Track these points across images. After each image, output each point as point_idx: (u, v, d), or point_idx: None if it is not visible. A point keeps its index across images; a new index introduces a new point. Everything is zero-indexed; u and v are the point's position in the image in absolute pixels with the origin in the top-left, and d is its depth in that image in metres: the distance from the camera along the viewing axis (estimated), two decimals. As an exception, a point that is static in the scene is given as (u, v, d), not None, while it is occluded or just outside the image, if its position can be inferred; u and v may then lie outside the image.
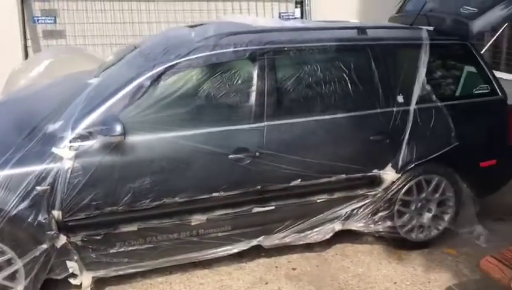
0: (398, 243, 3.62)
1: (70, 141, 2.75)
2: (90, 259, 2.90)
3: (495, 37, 3.92)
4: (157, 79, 2.91)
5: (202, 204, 3.02)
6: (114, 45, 6.27)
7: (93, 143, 2.73)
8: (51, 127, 2.88)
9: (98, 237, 2.86)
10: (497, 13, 3.64)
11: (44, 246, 2.75)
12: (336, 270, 3.40)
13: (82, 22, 6.20)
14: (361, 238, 3.74)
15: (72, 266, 2.88)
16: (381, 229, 3.48)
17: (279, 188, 3.16)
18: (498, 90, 3.71)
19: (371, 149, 3.33)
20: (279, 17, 6.93)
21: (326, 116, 3.23)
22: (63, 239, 2.79)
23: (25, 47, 5.94)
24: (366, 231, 3.51)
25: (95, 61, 3.96)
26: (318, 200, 3.28)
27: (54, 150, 2.73)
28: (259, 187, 3.10)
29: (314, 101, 3.23)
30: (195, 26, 3.73)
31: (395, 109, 3.37)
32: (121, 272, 3.05)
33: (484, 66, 3.71)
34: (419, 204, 3.55)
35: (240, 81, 3.09)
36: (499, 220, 4.02)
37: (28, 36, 6.01)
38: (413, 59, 3.49)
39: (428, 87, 3.46)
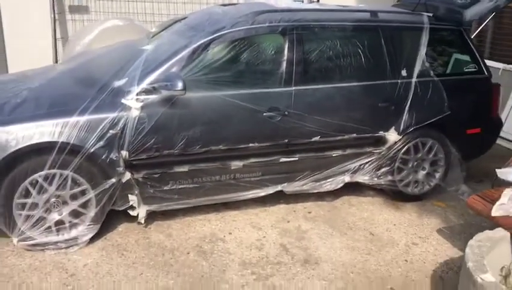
0: (396, 195, 4.28)
1: (137, 94, 3.33)
2: (148, 194, 3.50)
3: (483, 25, 4.57)
4: (207, 46, 3.50)
5: (240, 152, 3.63)
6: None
7: (157, 96, 3.31)
8: (117, 83, 3.44)
9: (156, 175, 3.46)
10: (486, 4, 4.28)
11: (113, 180, 3.34)
12: (345, 214, 4.06)
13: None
14: (364, 191, 4.40)
15: (133, 199, 3.48)
16: (382, 183, 4.14)
17: (302, 143, 3.79)
18: (484, 70, 4.39)
19: (378, 113, 3.98)
20: None
21: (343, 84, 3.86)
22: (128, 175, 3.38)
23: (54, 20, 6.43)
24: (370, 184, 4.16)
25: (139, 31, 4.51)
26: (333, 155, 3.92)
27: (124, 101, 3.30)
28: (286, 141, 3.72)
29: (334, 71, 3.86)
30: (228, 5, 4.31)
31: (399, 81, 4.01)
32: (169, 207, 3.66)
33: (473, 48, 4.38)
34: (415, 163, 4.22)
35: (273, 52, 3.71)
36: (480, 182, 4.67)
37: (57, 10, 6.51)
38: (415, 40, 4.12)
39: (427, 64, 4.11)
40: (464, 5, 4.34)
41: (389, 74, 4.00)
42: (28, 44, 6.23)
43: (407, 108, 4.01)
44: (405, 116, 4.01)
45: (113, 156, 3.28)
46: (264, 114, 3.60)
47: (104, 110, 3.27)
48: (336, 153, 3.92)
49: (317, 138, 3.79)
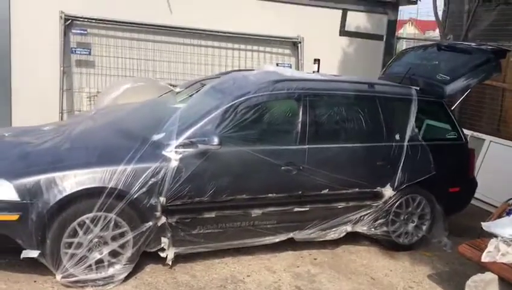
0: (389, 244, 4.79)
1: (176, 147, 3.78)
2: (178, 237, 3.88)
3: (461, 98, 5.33)
4: (236, 108, 4.02)
5: (260, 201, 4.10)
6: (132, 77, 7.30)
7: (195, 149, 3.77)
8: (156, 137, 3.89)
9: (187, 220, 3.87)
10: (463, 82, 5.04)
11: (150, 223, 3.72)
12: (347, 261, 4.53)
13: (110, 55, 7.21)
14: (360, 241, 4.90)
15: (165, 241, 3.85)
16: (378, 233, 4.66)
17: (313, 194, 4.29)
18: (462, 137, 5.09)
19: (376, 171, 4.56)
20: (277, 66, 8.23)
21: (348, 145, 4.45)
22: (163, 219, 3.77)
23: (63, 73, 6.85)
24: (367, 234, 4.67)
25: (162, 90, 5.01)
26: (339, 207, 4.43)
27: (165, 153, 3.75)
28: (300, 192, 4.22)
29: (340, 132, 4.45)
30: (246, 71, 4.89)
31: (394, 144, 4.64)
32: (194, 250, 4.04)
33: (453, 118, 5.11)
34: (406, 216, 4.79)
35: (289, 114, 4.28)
36: (459, 236, 5.24)
37: (65, 64, 6.95)
38: (405, 109, 4.79)
39: (416, 130, 4.77)
40: (444, 81, 5.09)
41: (385, 137, 4.62)
42: (33, 93, 6.63)
43: (400, 167, 4.61)
44: (399, 174, 4.60)
45: (152, 201, 3.68)
46: (282, 168, 4.11)
47: (147, 160, 3.69)
48: (340, 205, 4.43)
49: (326, 191, 4.31)
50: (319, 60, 5.23)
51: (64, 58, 6.89)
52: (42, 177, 3.42)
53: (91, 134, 4.09)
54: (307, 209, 4.30)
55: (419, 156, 4.72)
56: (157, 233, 3.79)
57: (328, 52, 8.43)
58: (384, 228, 4.67)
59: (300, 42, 8.11)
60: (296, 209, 4.26)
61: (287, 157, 4.15)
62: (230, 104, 4.02)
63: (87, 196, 3.50)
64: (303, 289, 3.94)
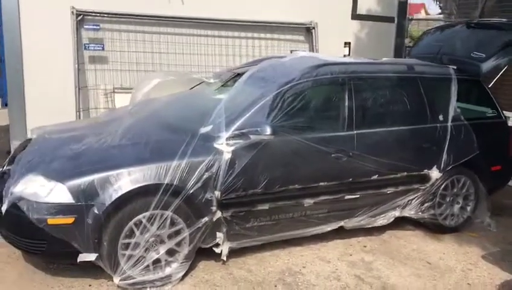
0: (435, 227, 4.71)
1: (227, 139, 3.64)
2: (233, 231, 3.75)
3: (498, 76, 5.23)
4: (283, 95, 3.88)
5: (312, 191, 3.98)
6: (147, 71, 7.14)
7: (247, 141, 3.62)
8: (203, 130, 3.74)
9: (242, 213, 3.74)
10: (499, 59, 4.95)
11: (206, 219, 3.59)
12: (397, 247, 4.43)
13: (123, 50, 7.03)
14: (404, 225, 4.81)
15: (220, 236, 3.72)
16: (426, 216, 4.58)
17: (363, 181, 4.18)
18: (502, 115, 5.01)
19: (423, 154, 4.46)
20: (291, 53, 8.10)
21: (395, 128, 4.34)
22: (218, 214, 3.63)
23: (78, 70, 6.65)
24: (415, 218, 4.58)
25: (193, 83, 4.85)
26: (388, 192, 4.33)
27: (217, 145, 3.61)
28: (350, 179, 4.11)
29: (386, 116, 4.34)
30: (278, 58, 4.75)
31: (438, 125, 4.54)
32: (248, 244, 3.92)
33: (492, 97, 5.02)
34: (452, 197, 4.70)
35: (336, 100, 4.16)
36: (498, 215, 5.21)
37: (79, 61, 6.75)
38: (446, 89, 4.69)
39: (458, 110, 4.67)
40: (479, 59, 4.99)
41: (429, 118, 4.52)
42: (47, 93, 6.42)
43: (445, 148, 4.51)
44: (444, 155, 4.51)
45: (208, 196, 3.55)
46: (332, 155, 3.99)
47: (200, 154, 3.55)
48: (390, 190, 4.33)
49: (375, 177, 4.20)
50: (349, 43, 5.10)
51: (77, 55, 6.69)
52: (96, 177, 3.26)
53: (136, 129, 3.91)
54: (358, 196, 4.19)
55: (462, 136, 4.62)
56: (213, 228, 3.67)
57: (341, 37, 8.32)
58: (432, 211, 4.58)
59: (314, 28, 7.97)
60: (347, 196, 4.15)
61: (337, 144, 4.03)
62: (276, 92, 3.88)
63: (143, 194, 3.35)
64: (363, 277, 3.84)
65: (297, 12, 7.90)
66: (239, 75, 4.51)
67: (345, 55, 5.07)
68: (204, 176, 3.51)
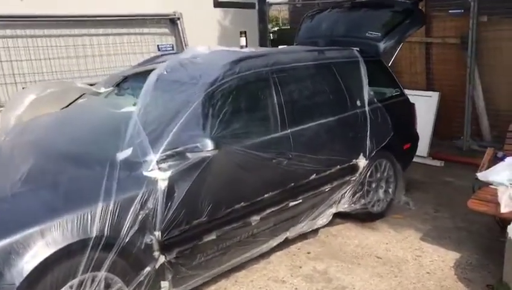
0: (364, 216, 4.51)
1: (157, 163, 2.87)
2: (180, 275, 3.03)
3: (395, 55, 5.23)
4: (210, 99, 3.23)
5: (257, 205, 3.43)
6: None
7: (185, 161, 2.90)
8: (121, 155, 2.92)
9: (187, 251, 3.03)
10: (395, 36, 4.92)
11: (148, 268, 2.81)
12: (339, 246, 4.13)
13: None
14: (333, 220, 4.50)
15: (165, 286, 2.96)
16: (358, 207, 4.35)
17: (304, 183, 3.76)
18: (404, 93, 5.01)
19: (350, 143, 4.19)
20: (158, 49, 7.32)
21: (323, 120, 3.97)
22: (161, 259, 2.88)
23: None
24: (349, 211, 4.32)
25: (77, 94, 3.85)
26: (326, 190, 3.98)
27: (148, 173, 2.82)
28: (292, 184, 3.65)
29: (314, 109, 3.95)
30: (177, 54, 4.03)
31: (358, 111, 4.31)
32: (194, 285, 3.22)
33: (394, 75, 4.97)
34: (376, 183, 4.55)
35: (264, 97, 3.62)
36: (411, 190, 5.25)
37: None
38: (356, 72, 4.47)
39: (371, 92, 4.50)
40: (376, 39, 4.89)
41: (349, 105, 4.26)
42: None
43: (368, 134, 4.31)
44: (368, 142, 4.31)
45: (147, 240, 2.78)
46: (274, 161, 3.48)
47: (129, 188, 2.75)
48: (327, 188, 3.99)
49: (314, 176, 3.81)
50: (245, 32, 4.60)
51: None
52: (-8, 249, 2.26)
53: (26, 168, 2.88)
54: (300, 201, 3.75)
55: (380, 119, 4.48)
56: (156, 277, 2.89)
57: (206, 26, 7.79)
58: (362, 201, 4.37)
59: (179, 18, 7.28)
60: (291, 203, 3.69)
61: (275, 148, 3.53)
62: (203, 95, 3.20)
63: (66, 257, 2.44)
64: (327, 291, 3.43)
65: (159, 3, 7.13)
66: (129, 79, 3.70)
67: (242, 47, 4.57)
68: (140, 216, 2.72)
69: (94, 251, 2.52)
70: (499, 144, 6.17)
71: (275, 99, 3.63)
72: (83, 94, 3.98)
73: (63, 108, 3.91)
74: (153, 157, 2.87)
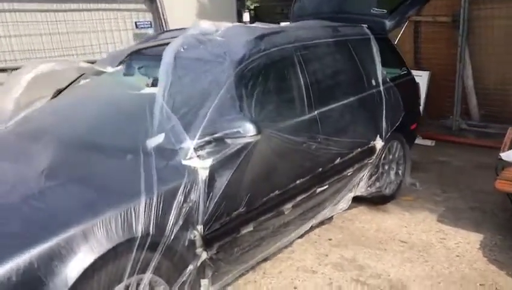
0: (377, 199, 4.39)
1: (195, 150, 2.59)
2: (219, 271, 2.78)
3: (401, 32, 5.07)
4: (241, 78, 2.95)
5: (290, 193, 3.21)
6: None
7: (229, 149, 2.63)
8: (152, 142, 2.61)
9: (226, 246, 2.78)
10: (401, 13, 4.77)
11: (191, 267, 2.55)
12: (359, 231, 3.99)
13: None
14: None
15: (205, 284, 2.71)
16: (373, 190, 4.21)
17: (330, 168, 3.57)
18: (410, 72, 4.88)
19: (369, 125, 4.03)
20: (136, 26, 6.89)
21: (345, 101, 3.77)
22: (204, 255, 2.62)
23: None
24: (365, 194, 4.18)
25: (79, 73, 3.45)
26: (348, 174, 3.80)
27: (187, 162, 2.54)
28: (320, 169, 3.45)
29: (336, 89, 3.74)
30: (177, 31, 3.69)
31: (374, 91, 4.14)
32: (228, 281, 2.99)
33: (401, 54, 4.83)
34: (388, 165, 4.43)
35: (291, 77, 3.37)
36: (414, 171, 5.17)
37: None
38: (368, 50, 4.29)
39: (384, 72, 4.34)
40: (382, 15, 4.72)
41: (366, 85, 4.08)
42: None
43: (384, 115, 4.16)
44: (384, 122, 4.16)
45: (191, 236, 2.50)
46: (304, 145, 3.26)
47: (169, 179, 2.46)
48: (350, 171, 3.82)
49: (338, 160, 3.63)
50: (249, 7, 4.30)
51: None
52: (31, 257, 1.92)
53: (46, 160, 2.50)
54: (326, 186, 3.56)
55: (392, 99, 4.33)
56: (197, 276, 2.62)
57: (185, 3, 7.39)
58: (377, 184, 4.24)
59: (158, -6, 6.85)
60: (318, 190, 3.48)
61: (306, 130, 3.31)
62: (233, 75, 2.92)
63: (112, 260, 2.14)
64: (363, 280, 3.30)
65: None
66: (134, 57, 3.36)
67: (245, 23, 4.28)
68: (183, 210, 2.43)
69: (140, 252, 2.23)
70: (488, 123, 6.29)
71: (301, 78, 3.40)
72: (83, 74, 3.58)
73: (63, 89, 3.51)
74: (190, 144, 2.57)
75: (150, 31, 7.05)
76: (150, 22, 6.93)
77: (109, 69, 3.38)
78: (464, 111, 6.63)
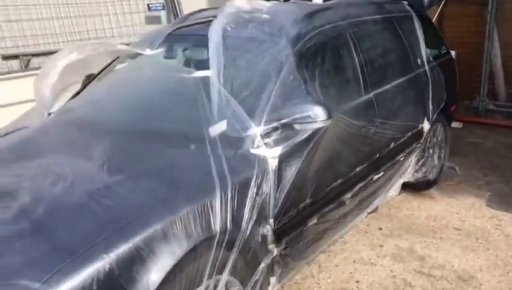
0: (421, 185, 4.19)
1: (262, 138, 2.36)
2: (287, 268, 2.57)
3: (439, 10, 4.83)
4: (301, 58, 2.72)
5: (350, 182, 2.99)
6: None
7: (299, 135, 2.40)
8: (215, 130, 2.37)
9: (293, 240, 2.57)
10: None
11: (262, 265, 2.34)
12: (408, 219, 3.80)
13: None
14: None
15: (273, 282, 2.50)
16: (420, 176, 4.01)
17: (385, 153, 3.35)
18: (449, 51, 4.65)
19: (418, 105, 3.81)
20: (148, 8, 6.58)
21: (397, 82, 3.55)
22: (274, 251, 2.41)
23: None
24: (412, 180, 3.97)
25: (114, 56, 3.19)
26: (401, 159, 3.60)
27: (255, 151, 2.31)
28: (377, 155, 3.23)
29: (388, 69, 3.51)
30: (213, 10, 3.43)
31: (421, 70, 3.91)
32: (290, 278, 2.79)
33: (440, 32, 4.59)
34: (433, 149, 4.22)
35: (345, 56, 3.13)
36: (450, 154, 4.96)
37: None
38: (413, 28, 4.05)
39: (427, 51, 4.11)
40: (420, -9, 4.48)
41: (413, 64, 3.85)
42: None
43: (430, 96, 3.95)
44: (430, 104, 3.95)
45: (264, 231, 2.28)
46: (363, 129, 3.04)
47: (240, 170, 2.23)
48: (402, 156, 3.61)
49: (392, 145, 3.41)
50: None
51: None
52: (109, 261, 1.69)
53: (103, 151, 2.26)
54: (382, 173, 3.35)
55: (437, 79, 4.11)
56: (267, 275, 2.41)
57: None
58: (424, 169, 4.04)
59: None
60: (375, 177, 3.27)
61: (363, 114, 3.08)
62: (292, 54, 2.67)
63: (192, 262, 1.91)
64: (426, 271, 3.12)
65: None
66: (172, 39, 3.11)
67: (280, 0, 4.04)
68: (257, 203, 2.21)
69: (218, 251, 2.01)
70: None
71: (355, 57, 3.16)
72: (117, 58, 3.31)
73: (96, 74, 3.25)
74: (257, 131, 2.34)
75: (162, 14, 6.74)
76: (163, 3, 6.61)
77: (147, 51, 3.11)
78: (490, 91, 6.42)
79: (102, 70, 3.27)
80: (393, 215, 3.84)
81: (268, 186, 2.28)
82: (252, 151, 2.30)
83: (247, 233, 2.14)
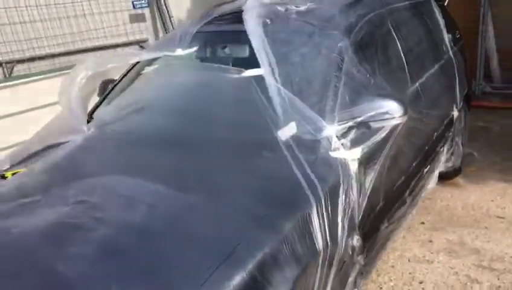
0: (449, 174, 4.08)
1: (339, 139, 2.15)
2: (366, 278, 2.38)
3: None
4: (358, 49, 2.52)
5: (408, 179, 2.83)
6: None
7: (377, 135, 2.20)
8: (285, 133, 2.14)
9: (371, 247, 2.38)
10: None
11: (351, 279, 2.14)
12: (447, 210, 3.68)
13: None
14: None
15: (352, 294, 2.30)
16: (450, 165, 3.90)
17: (430, 145, 3.21)
18: (461, 36, 4.55)
19: (449, 93, 3.68)
20: (133, 6, 6.22)
21: (432, 71, 3.41)
22: (360, 262, 2.21)
23: None
24: (443, 170, 3.84)
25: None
26: (440, 150, 3.46)
27: (335, 154, 2.10)
28: (426, 148, 3.08)
29: (423, 57, 3.37)
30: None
31: (447, 56, 3.79)
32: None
33: (451, 15, 4.49)
34: (457, 136, 4.12)
35: (389, 45, 2.96)
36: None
37: None
38: (433, 13, 3.92)
39: (449, 36, 3.99)
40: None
41: (440, 51, 3.73)
42: None
43: (457, 82, 3.84)
44: (457, 90, 3.84)
45: (354, 241, 2.08)
46: (416, 122, 2.87)
47: (325, 176, 2.01)
48: (440, 146, 3.48)
49: (435, 135, 3.27)
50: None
51: None
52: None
53: (171, 165, 1.98)
54: (429, 166, 3.20)
55: (459, 65, 4.00)
56: (353, 289, 2.21)
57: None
58: (452, 158, 3.93)
59: (153, -31, 6.18)
60: (424, 170, 3.12)
61: (414, 104, 2.90)
62: (349, 46, 2.47)
63: (303, 284, 1.69)
64: (486, 265, 3.01)
65: None
66: (200, 38, 2.83)
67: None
68: (347, 212, 2.01)
69: (322, 270, 1.79)
70: (510, 84, 6.13)
71: (399, 46, 2.99)
72: (137, 62, 3.01)
73: (115, 80, 2.95)
74: (332, 131, 2.13)
75: (146, 11, 6.40)
76: (147, 0, 6.25)
77: (178, 52, 2.82)
78: (485, 74, 6.43)
79: (124, 75, 2.96)
80: (430, 208, 3.71)
81: (354, 192, 2.07)
82: (332, 154, 2.07)
83: (343, 246, 1.93)
